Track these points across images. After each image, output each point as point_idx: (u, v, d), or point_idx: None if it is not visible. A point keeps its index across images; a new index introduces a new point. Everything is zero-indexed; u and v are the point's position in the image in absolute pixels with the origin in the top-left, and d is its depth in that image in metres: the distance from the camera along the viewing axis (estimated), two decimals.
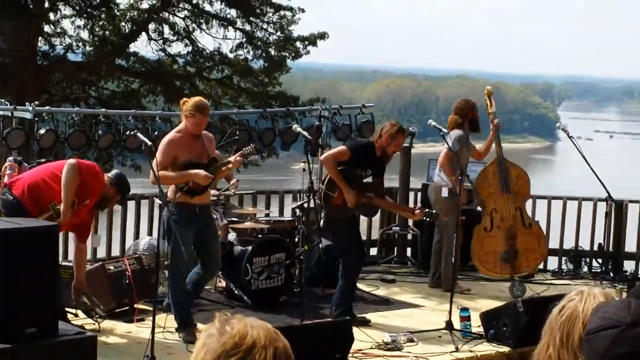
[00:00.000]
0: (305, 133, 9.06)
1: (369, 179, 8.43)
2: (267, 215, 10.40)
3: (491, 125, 9.92)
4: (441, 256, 9.83)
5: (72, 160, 7.41)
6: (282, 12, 20.81)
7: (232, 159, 7.94)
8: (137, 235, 10.00)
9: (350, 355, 7.17)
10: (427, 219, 8.83)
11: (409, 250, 11.58)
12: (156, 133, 10.16)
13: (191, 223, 7.67)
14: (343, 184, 8.26)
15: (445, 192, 9.64)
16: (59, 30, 20.59)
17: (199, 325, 7.77)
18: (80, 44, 20.65)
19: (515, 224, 9.88)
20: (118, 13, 20.46)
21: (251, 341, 2.05)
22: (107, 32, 20.66)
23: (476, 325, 8.15)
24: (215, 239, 8.04)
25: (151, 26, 20.89)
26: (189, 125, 7.67)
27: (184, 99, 7.98)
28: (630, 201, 11.40)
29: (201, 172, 7.57)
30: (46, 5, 19.58)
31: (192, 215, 7.68)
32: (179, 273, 7.75)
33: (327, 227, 8.48)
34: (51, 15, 20.14)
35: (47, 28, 20.29)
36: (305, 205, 8.99)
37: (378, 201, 8.54)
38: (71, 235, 7.98)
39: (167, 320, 7.95)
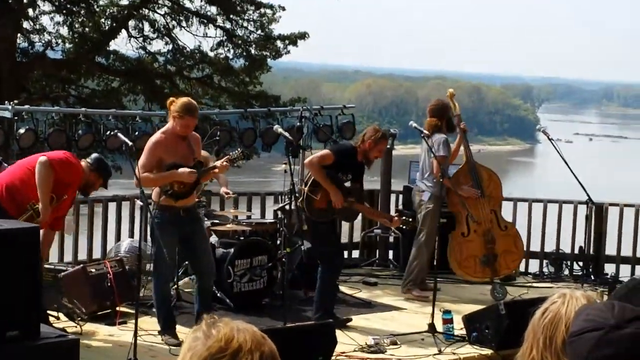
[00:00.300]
0: (287, 134, 9.03)
1: (347, 183, 8.42)
2: (249, 217, 10.35)
3: (458, 128, 9.89)
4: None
5: (42, 158, 7.20)
6: (262, 10, 20.80)
7: (218, 163, 7.80)
8: (118, 237, 9.95)
9: (333, 357, 7.15)
10: (405, 227, 8.81)
11: (391, 252, 11.58)
12: (137, 133, 10.11)
13: (175, 226, 7.57)
14: (331, 187, 8.23)
15: (425, 197, 9.59)
16: (38, 26, 20.47)
17: (181, 328, 7.73)
18: (59, 40, 20.55)
19: (492, 227, 9.87)
20: (98, 9, 20.38)
21: (237, 345, 2.05)
22: (86, 29, 20.57)
23: (459, 328, 8.15)
24: (204, 242, 7.88)
25: (131, 23, 20.82)
26: (177, 127, 7.53)
27: (172, 98, 7.83)
28: (611, 204, 11.44)
29: (185, 169, 7.45)
30: (25, 1, 19.45)
31: (176, 218, 7.57)
32: (162, 276, 7.68)
33: (307, 229, 8.43)
34: (30, 11, 20.02)
35: (26, 24, 20.17)
36: (287, 207, 8.97)
37: (358, 206, 8.55)
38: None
39: (150, 323, 7.91)
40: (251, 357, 2.04)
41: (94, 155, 7.75)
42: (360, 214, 9.97)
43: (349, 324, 8.46)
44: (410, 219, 8.70)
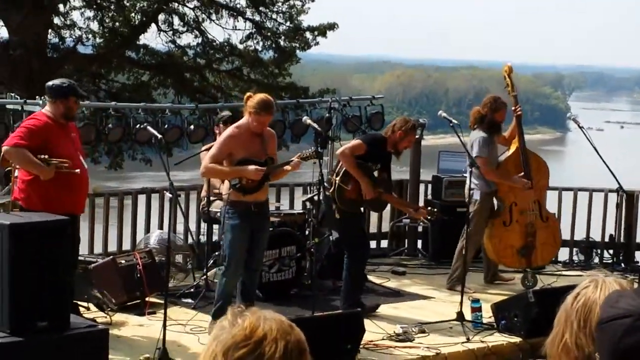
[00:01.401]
0: (316, 125, 9.04)
1: (375, 173, 8.44)
2: (278, 208, 10.38)
3: (514, 114, 9.76)
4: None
5: (5, 148, 7.02)
6: (291, 2, 20.76)
7: (291, 161, 7.64)
8: (147, 229, 10.01)
9: (361, 346, 7.18)
10: (430, 218, 8.79)
11: (419, 242, 11.58)
12: (166, 126, 10.17)
13: (246, 221, 7.49)
14: (363, 177, 8.25)
15: (477, 195, 9.41)
16: (68, 22, 20.58)
17: (210, 318, 7.78)
18: (90, 35, 20.64)
19: (534, 218, 9.76)
20: (128, 4, 20.43)
21: (262, 333, 2.05)
22: (117, 24, 20.64)
23: (487, 316, 8.16)
24: (265, 240, 7.81)
25: (161, 17, 20.87)
26: (252, 123, 7.46)
27: (249, 93, 7.78)
28: None
29: (251, 167, 7.38)
30: None
31: (247, 212, 7.49)
32: (232, 274, 7.56)
33: (337, 219, 8.45)
34: (60, 7, 20.14)
35: (56, 20, 20.29)
36: (316, 198, 8.99)
37: (387, 197, 8.56)
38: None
39: (179, 313, 7.98)
40: (275, 346, 2.03)
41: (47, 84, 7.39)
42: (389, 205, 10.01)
43: (377, 311, 8.49)
44: (436, 210, 8.69)
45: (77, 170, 6.97)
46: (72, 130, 7.36)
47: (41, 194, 7.01)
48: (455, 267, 9.57)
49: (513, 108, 9.75)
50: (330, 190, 8.32)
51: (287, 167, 7.63)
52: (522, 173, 9.59)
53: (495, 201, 9.68)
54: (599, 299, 2.43)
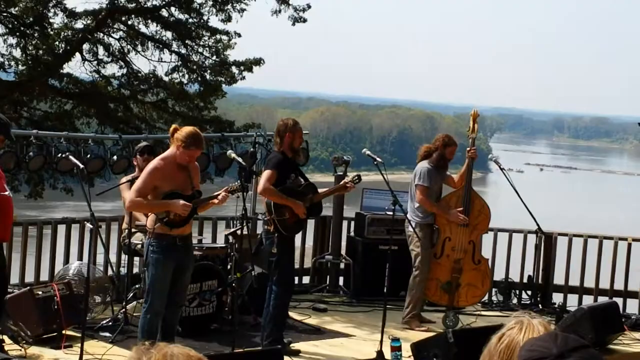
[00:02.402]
0: (240, 159, 9.02)
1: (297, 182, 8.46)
2: (200, 241, 10.31)
3: (467, 154, 9.91)
4: (415, 291, 9.71)
5: None
6: (218, 36, 20.78)
7: (219, 194, 7.57)
8: (67, 260, 9.84)
9: None
10: (358, 181, 8.85)
11: (341, 279, 11.58)
12: (89, 156, 10.04)
13: (171, 256, 7.37)
14: (291, 201, 8.25)
15: (410, 228, 9.54)
16: None
17: (127, 352, 7.65)
18: (12, 62, 20.35)
19: (465, 257, 9.85)
20: (52, 32, 20.20)
21: None
22: (40, 52, 20.39)
23: (407, 356, 8.16)
24: (189, 275, 7.67)
25: (85, 46, 20.69)
26: (181, 156, 7.33)
27: (175, 125, 7.66)
28: (560, 234, 11.56)
29: (179, 201, 7.26)
30: None
31: (173, 247, 7.37)
32: (152, 308, 7.41)
33: (273, 254, 8.34)
34: None
35: None
36: (238, 232, 8.95)
37: (318, 197, 8.57)
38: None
39: (96, 347, 7.83)
40: None
41: None
42: (313, 240, 10.02)
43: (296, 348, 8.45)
44: (357, 175, 8.79)
45: None
46: None
47: None
48: (408, 303, 9.69)
49: (468, 149, 9.96)
50: (272, 230, 8.25)
51: (215, 201, 7.56)
52: (461, 209, 9.72)
53: (434, 233, 9.79)
54: (522, 340, 2.46)
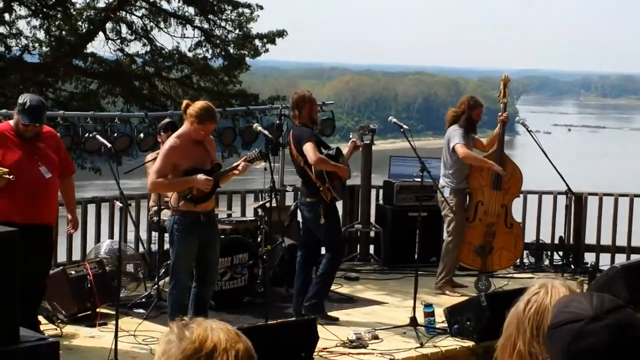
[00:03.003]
0: (266, 132, 9.05)
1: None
2: (229, 215, 10.35)
3: (499, 119, 9.89)
4: (449, 256, 9.71)
5: None
6: (240, 10, 20.72)
7: (239, 164, 7.52)
8: (98, 239, 9.90)
9: (315, 354, 7.16)
10: (370, 135, 9.01)
11: (371, 247, 11.59)
12: (115, 134, 10.07)
13: (196, 232, 7.36)
14: (338, 166, 8.36)
15: (447, 192, 9.57)
16: (14, 31, 20.34)
17: (162, 328, 7.71)
18: (36, 44, 20.42)
19: (498, 221, 9.84)
20: (74, 12, 20.23)
21: (212, 345, 2.03)
22: (63, 32, 20.42)
23: (440, 321, 8.18)
24: (217, 250, 7.67)
25: (108, 25, 20.71)
26: (194, 132, 7.30)
27: (187, 101, 7.63)
28: (590, 194, 11.50)
29: (201, 176, 7.25)
30: (0, 5, 19.34)
31: (197, 223, 7.36)
32: (179, 285, 7.44)
33: (326, 221, 8.39)
34: (6, 16, 19.89)
35: (1, 29, 20.05)
36: (267, 204, 8.97)
37: (346, 161, 8.60)
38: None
39: (131, 324, 7.90)
40: (227, 356, 2.02)
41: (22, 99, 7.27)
42: (342, 210, 10.02)
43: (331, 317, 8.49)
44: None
45: (11, 177, 6.82)
46: (41, 139, 7.24)
47: None
48: (442, 268, 9.70)
49: (500, 114, 9.93)
50: (329, 198, 8.32)
51: (235, 172, 7.54)
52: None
53: (467, 198, 9.80)
54: (551, 304, 2.45)
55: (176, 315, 6.90)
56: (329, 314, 8.58)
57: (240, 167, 7.50)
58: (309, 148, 8.21)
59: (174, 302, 7.46)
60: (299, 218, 8.98)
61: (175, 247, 7.39)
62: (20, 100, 7.16)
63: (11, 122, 7.23)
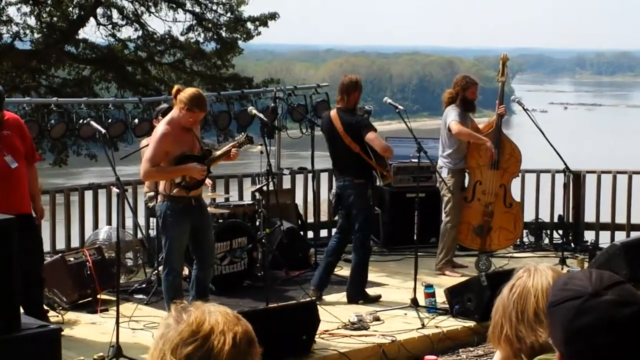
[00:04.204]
0: (261, 115, 9.00)
1: None
2: (227, 199, 10.32)
3: (497, 110, 9.86)
4: (447, 237, 9.69)
5: None
6: None
7: (229, 151, 7.51)
8: (96, 226, 9.86)
9: (316, 336, 7.15)
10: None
11: None
12: (110, 120, 10.02)
13: (188, 217, 7.37)
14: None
15: (444, 173, 9.55)
16: (4, 18, 20.25)
17: (163, 314, 7.69)
18: (27, 31, 20.35)
19: (496, 201, 9.81)
20: None
21: (209, 327, 2.04)
22: (54, 19, 20.37)
23: (441, 302, 8.17)
24: (210, 231, 7.65)
25: (99, 11, 20.67)
26: (182, 118, 7.25)
27: (177, 86, 7.58)
28: (588, 172, 11.48)
29: (195, 166, 7.27)
30: None
31: (189, 208, 7.37)
32: (173, 270, 7.42)
33: (366, 202, 8.55)
34: None
35: None
36: (265, 188, 8.94)
37: None
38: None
39: (132, 310, 7.87)
40: (224, 339, 2.02)
41: None
42: None
43: (330, 299, 8.47)
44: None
45: None
46: (6, 127, 7.02)
47: None
48: (441, 249, 9.69)
49: (497, 105, 9.88)
50: (386, 182, 8.93)
51: (227, 159, 7.56)
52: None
53: (466, 178, 9.80)
54: (533, 287, 2.53)
55: (172, 300, 6.91)
56: (326, 297, 8.58)
57: (231, 154, 7.50)
58: (373, 137, 8.35)
59: (169, 287, 7.44)
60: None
61: (168, 232, 7.37)
62: None
63: None
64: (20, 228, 6.40)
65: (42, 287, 7.38)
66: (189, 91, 7.36)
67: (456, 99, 9.64)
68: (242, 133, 7.96)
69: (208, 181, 9.33)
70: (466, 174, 9.80)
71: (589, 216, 11.44)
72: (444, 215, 9.71)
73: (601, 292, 2.02)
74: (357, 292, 8.58)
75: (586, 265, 9.56)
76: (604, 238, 11.26)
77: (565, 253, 10.34)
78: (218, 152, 7.58)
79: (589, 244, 11.09)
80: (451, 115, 9.55)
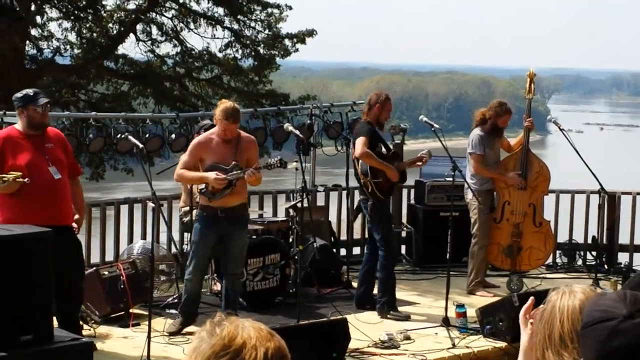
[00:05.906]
0: (297, 132, 9.05)
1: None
2: (261, 216, 10.36)
3: (523, 124, 9.83)
4: (475, 258, 9.66)
5: None
6: (269, 10, 20.76)
7: (248, 171, 7.60)
8: (131, 240, 9.94)
9: (347, 354, 7.15)
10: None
11: (403, 247, 11.55)
12: (147, 135, 10.12)
13: (212, 226, 7.72)
14: (385, 165, 8.55)
15: (469, 194, 9.49)
16: (46, 33, 20.50)
17: (193, 328, 7.74)
18: (68, 46, 20.57)
19: (525, 220, 9.76)
20: (105, 14, 20.37)
21: (241, 342, 2.06)
22: (94, 34, 20.58)
23: (473, 321, 8.14)
24: (239, 244, 7.86)
25: (139, 27, 20.82)
26: (217, 130, 7.74)
27: (222, 100, 8.04)
28: (623, 193, 11.40)
29: (212, 174, 7.59)
30: (32, 8, 19.49)
31: (214, 218, 7.71)
32: (191, 272, 7.85)
33: (373, 218, 8.67)
34: (38, 19, 20.05)
35: (34, 31, 20.21)
36: (299, 205, 8.97)
37: (402, 166, 8.88)
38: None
39: (164, 325, 7.92)
40: (255, 353, 2.04)
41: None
42: None
43: (362, 318, 8.47)
44: (426, 150, 8.90)
45: (26, 180, 6.68)
46: (49, 140, 7.15)
47: (8, 209, 6.84)
48: (470, 270, 9.67)
49: (524, 116, 9.89)
50: (369, 192, 8.56)
51: (246, 177, 7.63)
52: (519, 172, 9.66)
53: (494, 199, 9.80)
54: (559, 309, 2.54)
55: (187, 304, 7.24)
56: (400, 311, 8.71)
57: (246, 175, 7.59)
58: (359, 142, 8.53)
59: (184, 289, 7.93)
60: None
61: (193, 238, 7.92)
62: (18, 96, 7.05)
63: (16, 126, 7.10)
64: (60, 240, 6.50)
65: (80, 301, 7.43)
66: (222, 104, 7.76)
67: (486, 122, 9.62)
68: (277, 157, 8.05)
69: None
70: (495, 195, 9.78)
71: (624, 238, 11.35)
72: (472, 236, 9.69)
73: (635, 314, 2.01)
74: (382, 309, 8.66)
75: (619, 287, 9.49)
76: (638, 260, 11.17)
77: (599, 275, 10.28)
78: (238, 172, 7.68)
79: (622, 265, 11.02)
80: (473, 144, 9.57)
